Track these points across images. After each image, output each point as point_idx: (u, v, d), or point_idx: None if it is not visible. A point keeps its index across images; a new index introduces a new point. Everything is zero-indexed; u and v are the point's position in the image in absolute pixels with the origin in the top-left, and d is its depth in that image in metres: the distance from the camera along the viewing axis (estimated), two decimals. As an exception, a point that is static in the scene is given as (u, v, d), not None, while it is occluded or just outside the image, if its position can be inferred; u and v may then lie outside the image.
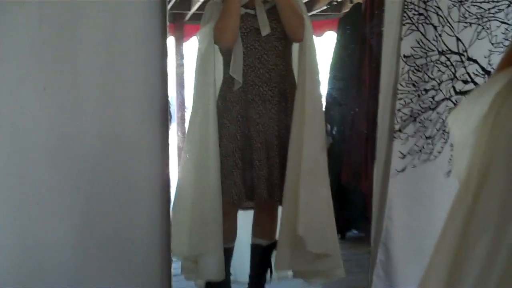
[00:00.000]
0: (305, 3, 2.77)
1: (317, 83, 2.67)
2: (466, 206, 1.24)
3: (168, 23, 2.28)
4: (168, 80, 2.29)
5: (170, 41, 2.27)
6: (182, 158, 2.66)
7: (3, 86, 2.13)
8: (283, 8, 2.55)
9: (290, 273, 2.88)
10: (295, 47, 2.72)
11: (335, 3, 4.55)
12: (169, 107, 2.34)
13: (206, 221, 2.57)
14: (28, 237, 2.20)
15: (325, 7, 4.67)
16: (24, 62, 2.14)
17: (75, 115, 2.20)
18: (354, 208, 3.79)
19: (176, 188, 2.61)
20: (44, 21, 2.13)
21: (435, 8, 2.45)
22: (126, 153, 2.27)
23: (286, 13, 2.56)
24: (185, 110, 3.45)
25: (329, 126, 3.73)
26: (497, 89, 1.21)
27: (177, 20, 5.51)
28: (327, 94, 3.85)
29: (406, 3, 2.43)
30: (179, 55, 5.02)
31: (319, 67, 2.67)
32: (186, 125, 2.90)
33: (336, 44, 3.89)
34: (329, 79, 3.90)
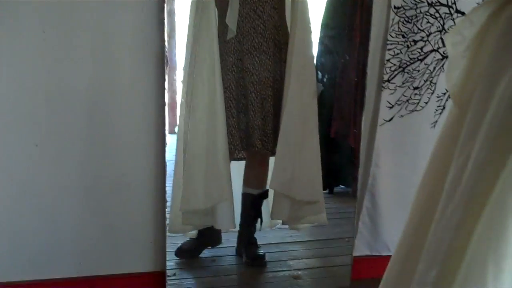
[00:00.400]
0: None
1: (308, 33, 2.69)
2: (454, 120, 1.30)
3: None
4: (164, 25, 2.29)
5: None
6: (187, 111, 2.61)
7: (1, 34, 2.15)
8: None
9: (279, 221, 2.97)
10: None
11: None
12: (166, 52, 2.34)
13: (220, 170, 2.59)
14: (27, 178, 2.26)
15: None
16: (23, 9, 2.15)
17: (72, 60, 2.23)
18: (343, 163, 3.83)
19: (187, 143, 2.59)
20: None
21: (426, -41, 2.45)
22: (122, 96, 2.30)
23: None
24: (175, 60, 3.43)
25: (320, 74, 3.75)
26: (490, 9, 1.25)
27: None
28: (319, 42, 3.85)
29: (398, -45, 2.43)
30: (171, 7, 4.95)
31: (310, 17, 2.69)
32: (179, 71, 2.86)
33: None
34: (321, 28, 3.89)
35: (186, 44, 2.65)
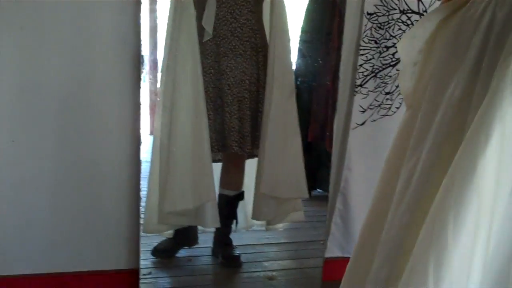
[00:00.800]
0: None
1: (287, 40, 2.73)
2: (407, 123, 1.34)
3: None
4: (140, 26, 2.32)
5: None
6: (166, 111, 2.59)
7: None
8: None
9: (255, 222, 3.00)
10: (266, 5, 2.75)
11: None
12: (141, 51, 2.36)
13: (206, 170, 2.60)
14: (2, 173, 2.26)
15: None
16: (2, 6, 2.16)
17: (49, 57, 2.24)
18: (320, 167, 3.86)
19: (170, 144, 2.58)
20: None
21: (398, -32, 2.50)
22: (98, 96, 2.32)
23: None
24: (156, 58, 3.44)
25: (297, 77, 3.77)
26: (441, 16, 1.30)
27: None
28: (298, 46, 3.89)
29: (370, -37, 2.47)
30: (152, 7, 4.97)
31: (288, 22, 2.73)
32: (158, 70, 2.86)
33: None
34: (301, 32, 3.93)
35: (165, 45, 2.64)
